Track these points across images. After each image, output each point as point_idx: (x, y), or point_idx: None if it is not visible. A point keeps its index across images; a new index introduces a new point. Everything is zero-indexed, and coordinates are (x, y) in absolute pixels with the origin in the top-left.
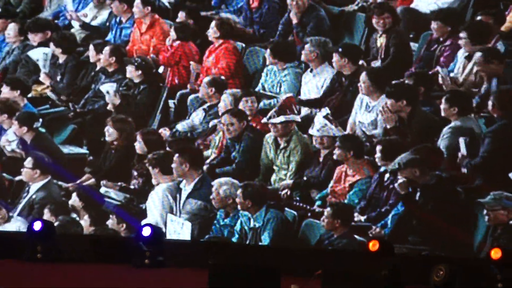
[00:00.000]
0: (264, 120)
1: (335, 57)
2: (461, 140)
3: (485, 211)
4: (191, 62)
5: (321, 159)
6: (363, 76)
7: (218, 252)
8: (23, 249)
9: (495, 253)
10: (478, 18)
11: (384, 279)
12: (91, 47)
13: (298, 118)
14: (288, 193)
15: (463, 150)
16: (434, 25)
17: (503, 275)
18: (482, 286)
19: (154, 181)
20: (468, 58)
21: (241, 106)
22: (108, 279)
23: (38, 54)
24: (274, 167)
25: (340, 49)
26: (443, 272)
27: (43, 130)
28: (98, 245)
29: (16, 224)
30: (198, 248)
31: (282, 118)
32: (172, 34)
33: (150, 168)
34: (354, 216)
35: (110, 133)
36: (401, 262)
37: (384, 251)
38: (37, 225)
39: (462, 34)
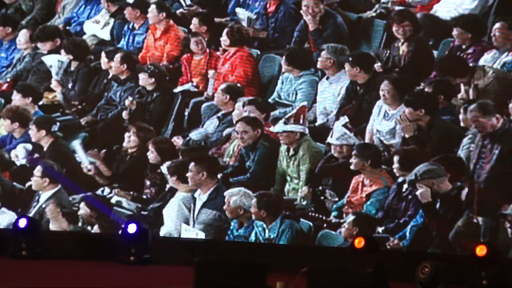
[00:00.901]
0: (271, 129)
1: (347, 67)
2: None
3: (507, 223)
4: (209, 70)
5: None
6: (386, 84)
7: (204, 249)
8: (8, 245)
9: (480, 250)
10: (497, 25)
11: (370, 276)
12: (103, 54)
13: (299, 128)
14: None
15: None
16: (455, 31)
17: (487, 272)
18: (467, 283)
19: (173, 185)
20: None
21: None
22: (94, 276)
23: (52, 61)
24: (287, 177)
25: (350, 59)
26: (428, 269)
27: (60, 134)
28: (83, 242)
29: (6, 218)
30: (184, 245)
31: (281, 127)
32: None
33: (168, 176)
34: (373, 229)
35: (131, 140)
36: (386, 259)
37: (369, 248)
38: (22, 222)
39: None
